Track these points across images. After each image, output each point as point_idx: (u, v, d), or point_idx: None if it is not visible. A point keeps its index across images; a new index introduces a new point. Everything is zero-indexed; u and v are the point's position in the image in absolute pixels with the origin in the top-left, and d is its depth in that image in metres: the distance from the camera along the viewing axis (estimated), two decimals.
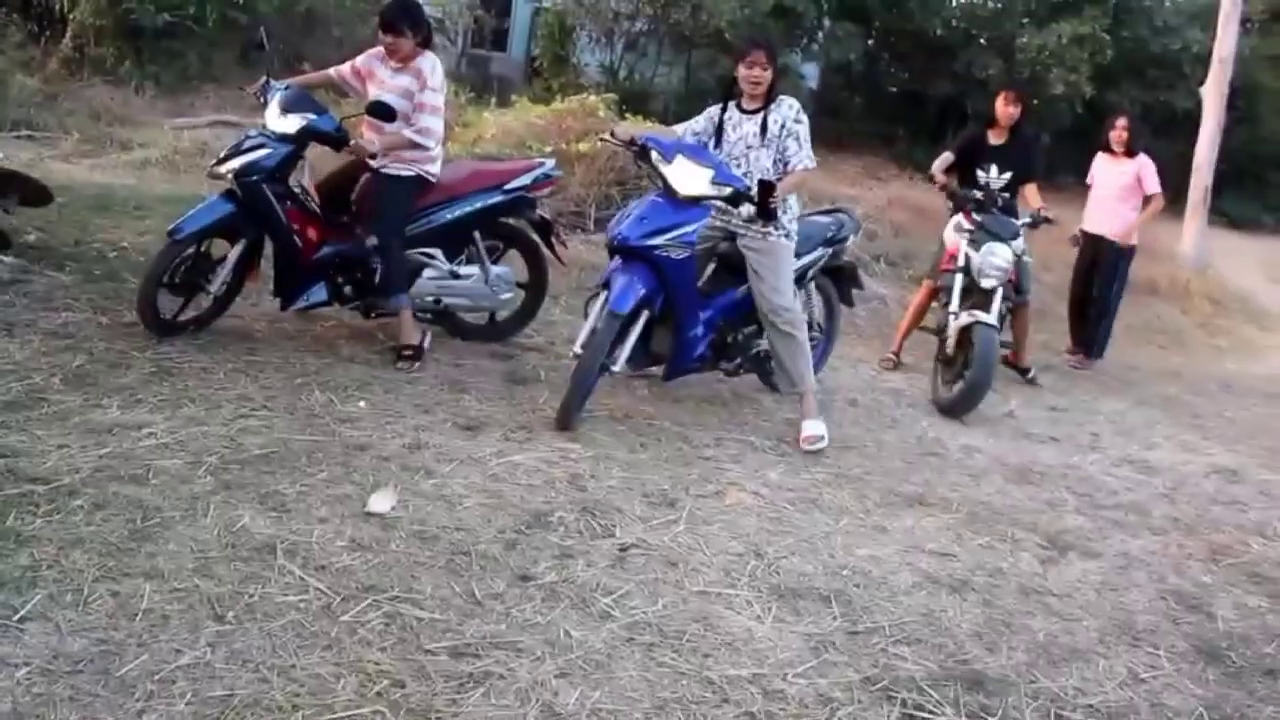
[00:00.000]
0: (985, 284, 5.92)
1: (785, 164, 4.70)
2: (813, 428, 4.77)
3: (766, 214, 4.47)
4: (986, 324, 5.74)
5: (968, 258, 6.02)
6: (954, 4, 18.95)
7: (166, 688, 2.39)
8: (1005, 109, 6.54)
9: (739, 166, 4.70)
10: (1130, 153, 7.47)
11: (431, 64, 4.90)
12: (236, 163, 4.66)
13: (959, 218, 6.29)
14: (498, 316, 5.65)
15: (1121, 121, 7.56)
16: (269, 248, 4.95)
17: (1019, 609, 3.42)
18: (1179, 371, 8.47)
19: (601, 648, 2.82)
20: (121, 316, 4.89)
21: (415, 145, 4.88)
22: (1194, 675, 3.15)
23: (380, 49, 4.97)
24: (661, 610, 3.07)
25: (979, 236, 6.03)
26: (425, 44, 4.97)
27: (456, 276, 5.28)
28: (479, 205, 5.22)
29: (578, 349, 4.52)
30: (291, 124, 4.71)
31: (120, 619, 2.62)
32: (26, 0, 12.42)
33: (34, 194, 5.80)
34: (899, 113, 19.11)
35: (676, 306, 4.68)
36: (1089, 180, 7.78)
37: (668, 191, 4.54)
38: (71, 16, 11.95)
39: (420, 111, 4.86)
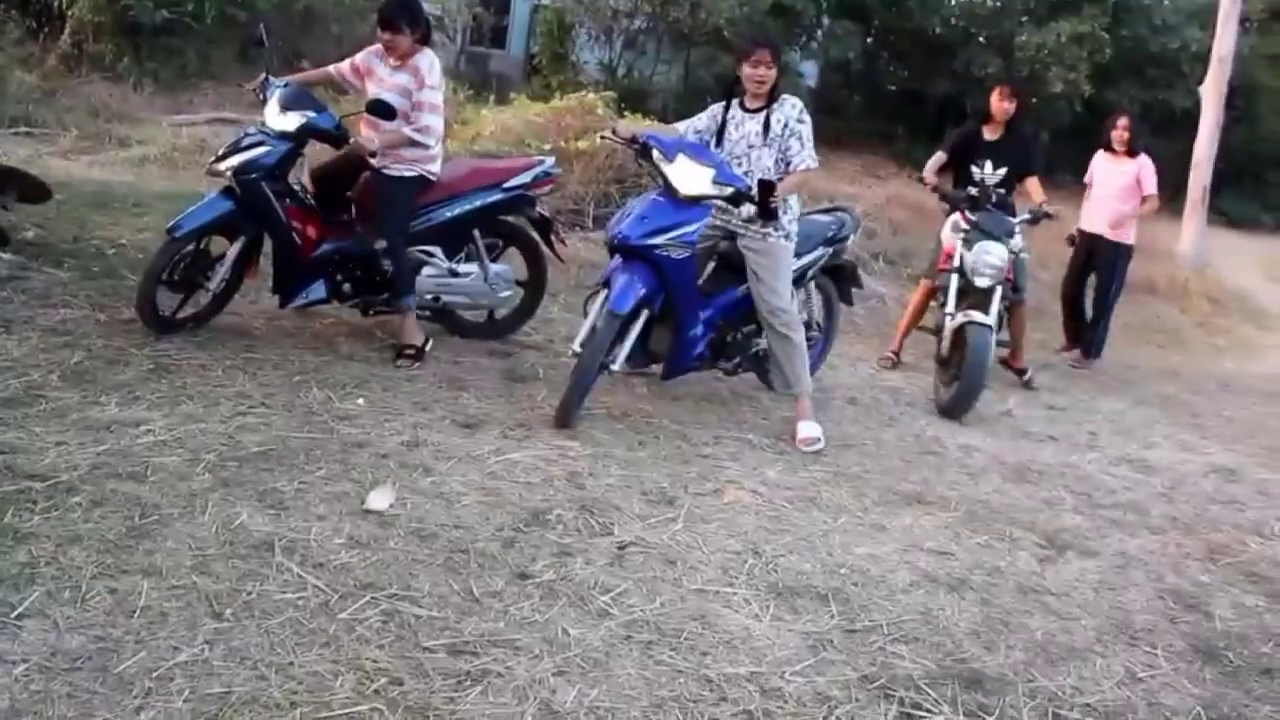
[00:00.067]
0: (980, 283, 5.90)
1: (787, 163, 4.69)
2: (808, 429, 4.77)
3: (767, 214, 4.46)
4: (979, 324, 5.73)
5: (962, 257, 6.01)
6: (953, 2, 18.96)
7: (164, 685, 2.39)
8: (1000, 104, 6.50)
9: (740, 165, 4.70)
10: (1131, 152, 7.46)
11: (429, 62, 4.89)
12: (235, 160, 4.65)
13: (956, 217, 6.27)
14: (496, 314, 5.65)
15: (1123, 121, 7.55)
16: (268, 245, 4.94)
17: (1017, 608, 3.42)
18: (1177, 371, 8.48)
19: (599, 646, 2.82)
20: (120, 313, 4.89)
21: (415, 143, 4.87)
22: (1191, 674, 3.16)
23: (379, 46, 4.96)
24: (659, 608, 3.07)
25: (973, 236, 6.01)
26: (424, 41, 4.96)
27: (456, 274, 5.28)
28: (478, 203, 5.21)
29: (577, 347, 4.52)
30: (291, 122, 4.70)
31: (118, 616, 2.62)
32: None
33: (32, 191, 5.79)
34: (898, 111, 19.14)
35: (676, 306, 4.67)
36: (1087, 179, 7.77)
37: (669, 190, 4.53)
38: (70, 13, 11.93)
39: (419, 110, 4.85)
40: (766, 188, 4.37)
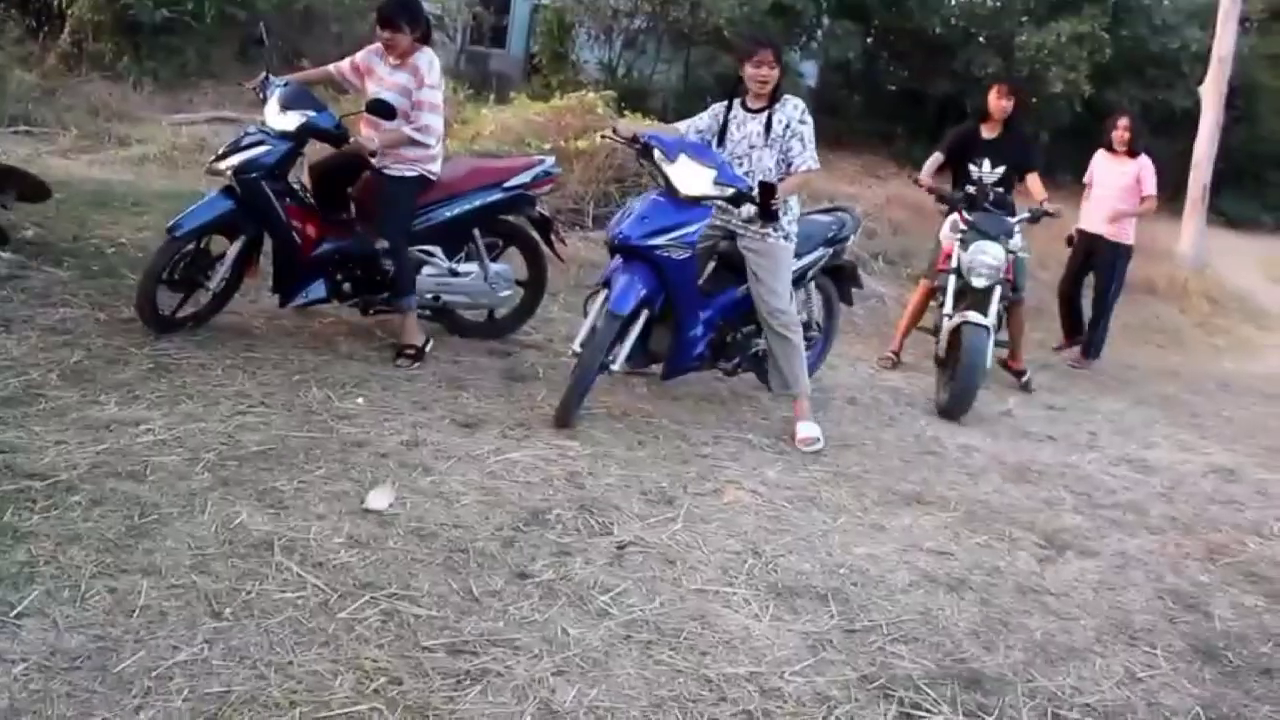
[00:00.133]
0: (976, 283, 5.87)
1: (789, 164, 4.68)
2: (807, 429, 4.77)
3: (767, 216, 4.46)
4: (975, 324, 5.73)
5: (959, 258, 5.99)
6: (953, 2, 18.96)
7: (164, 684, 2.39)
8: (998, 102, 6.47)
9: (741, 166, 4.69)
10: (1132, 153, 7.45)
11: (428, 60, 4.88)
12: (235, 159, 4.65)
13: (954, 217, 6.26)
14: (496, 314, 5.65)
15: (1124, 121, 7.54)
16: (268, 244, 4.94)
17: (1016, 608, 3.42)
18: (1177, 371, 8.48)
19: (599, 645, 2.82)
20: (119, 312, 4.89)
21: (415, 143, 4.86)
22: (1191, 674, 3.16)
23: (379, 45, 4.96)
24: (659, 608, 3.07)
25: (969, 236, 6.00)
26: (424, 40, 4.95)
27: (456, 274, 5.28)
28: (478, 203, 5.21)
29: (576, 347, 4.51)
30: (291, 121, 4.70)
31: (117, 615, 2.62)
32: None
33: (32, 189, 5.79)
34: (898, 111, 19.14)
35: (677, 306, 4.67)
36: (1087, 179, 7.77)
37: (669, 190, 4.52)
38: (70, 12, 11.93)
39: (419, 109, 4.84)
40: (767, 190, 4.36)
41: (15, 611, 2.57)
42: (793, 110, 4.69)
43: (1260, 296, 12.71)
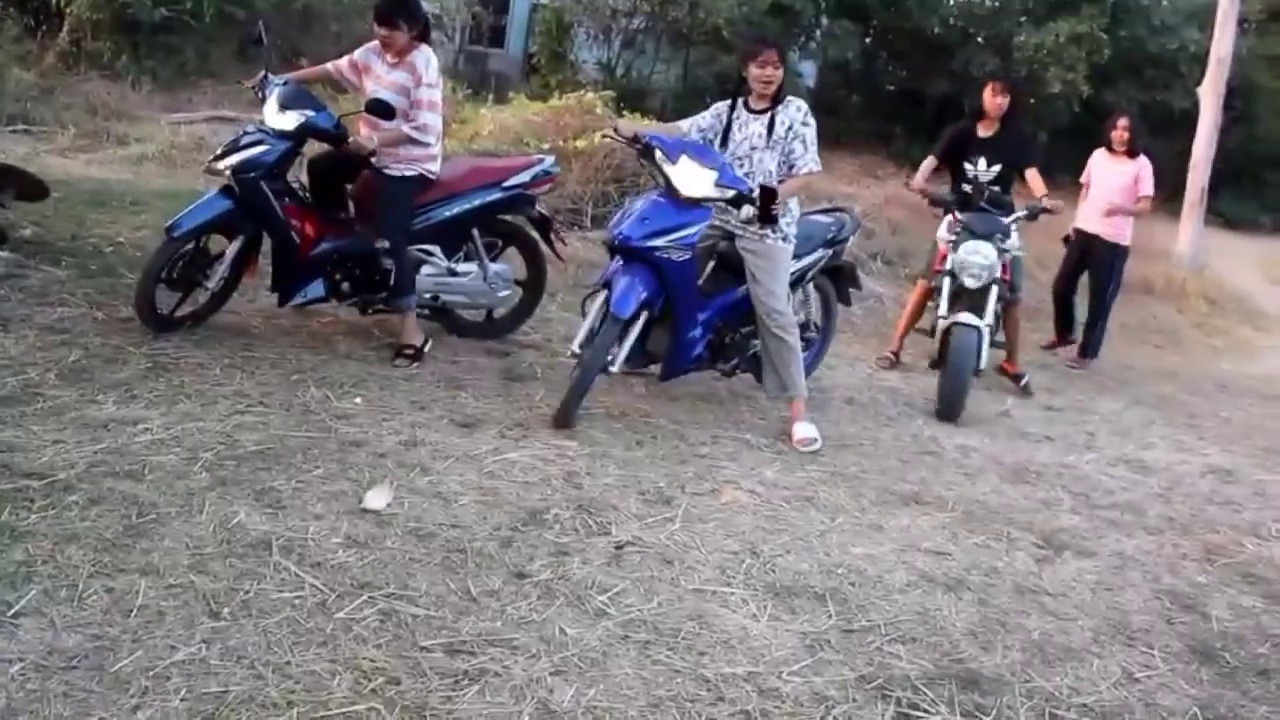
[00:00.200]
0: (968, 283, 5.85)
1: (790, 166, 4.68)
2: (804, 430, 4.77)
3: (767, 219, 4.45)
4: (964, 325, 5.72)
5: (952, 259, 5.98)
6: (952, 2, 18.95)
7: (161, 684, 2.39)
8: (993, 100, 6.42)
9: (742, 167, 4.68)
10: (1131, 153, 7.45)
11: (426, 59, 4.87)
12: (234, 159, 4.65)
13: (950, 218, 6.26)
14: (495, 314, 5.65)
15: (1123, 122, 7.53)
16: (267, 244, 4.94)
17: (1014, 608, 3.42)
18: (1175, 371, 8.48)
19: (597, 645, 2.83)
20: (117, 312, 4.89)
21: (414, 142, 4.86)
22: (1188, 675, 3.16)
23: (377, 43, 4.95)
24: (657, 608, 3.07)
25: (961, 236, 5.99)
26: (422, 38, 4.94)
27: (454, 274, 5.28)
28: (478, 203, 5.21)
29: (575, 348, 4.51)
30: (290, 121, 4.69)
31: (115, 615, 2.62)
32: None
33: (30, 189, 5.78)
34: (897, 111, 19.12)
35: (676, 308, 4.66)
36: (1084, 179, 7.76)
37: (670, 191, 4.52)
38: (68, 11, 11.92)
39: (418, 108, 4.83)
40: (768, 194, 4.35)
41: (12, 611, 2.57)
42: (795, 112, 4.68)
43: (1258, 297, 12.72)
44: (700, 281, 4.83)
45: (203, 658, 2.51)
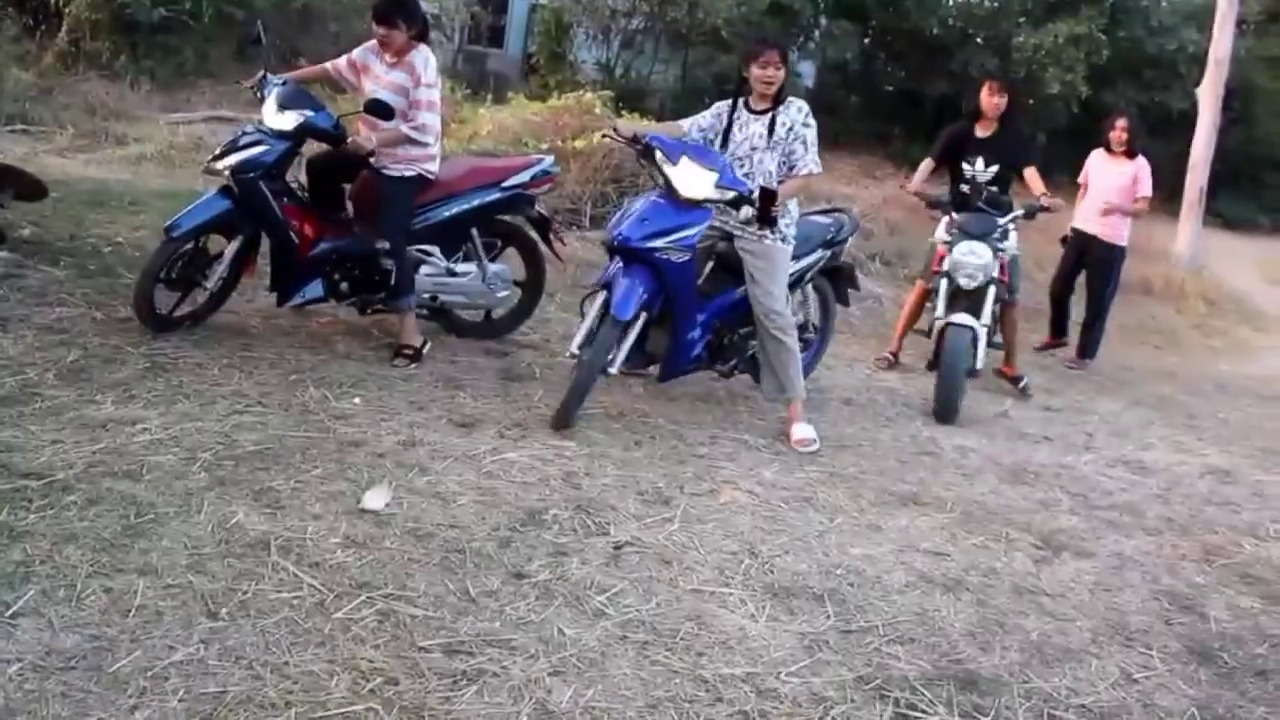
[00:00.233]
0: (963, 283, 5.85)
1: (790, 167, 4.67)
2: (802, 431, 4.77)
3: (766, 221, 4.44)
4: (957, 325, 5.72)
5: (948, 260, 5.98)
6: (950, 3, 18.96)
7: (159, 684, 2.39)
8: (990, 99, 6.36)
9: (742, 167, 4.67)
10: (1130, 153, 7.45)
11: (424, 59, 4.86)
12: (233, 159, 4.64)
13: (948, 219, 6.25)
14: (494, 314, 5.65)
15: (1122, 122, 7.52)
16: (266, 244, 4.94)
17: (1012, 609, 3.42)
18: (1174, 372, 8.49)
19: (595, 646, 2.83)
20: (116, 311, 4.89)
21: (413, 142, 4.85)
22: (1186, 676, 3.16)
23: (375, 42, 4.94)
24: (655, 608, 3.07)
25: (956, 237, 5.99)
26: (420, 38, 4.93)
27: (453, 274, 5.27)
28: (477, 203, 5.20)
29: (574, 349, 4.50)
30: (289, 121, 4.69)
31: (113, 615, 2.62)
32: None
33: (29, 188, 5.78)
34: (895, 111, 19.11)
35: (675, 309, 4.65)
36: (1082, 179, 7.76)
37: (670, 192, 4.51)
38: (67, 10, 11.90)
39: (417, 109, 4.83)
40: (768, 196, 4.35)
41: (11, 611, 2.57)
42: (796, 113, 4.68)
43: (1257, 298, 12.73)
44: (699, 282, 4.82)
45: (201, 658, 2.51)
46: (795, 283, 5.07)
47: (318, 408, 4.22)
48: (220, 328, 4.95)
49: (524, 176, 5.34)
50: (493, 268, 5.40)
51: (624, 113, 10.24)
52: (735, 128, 4.74)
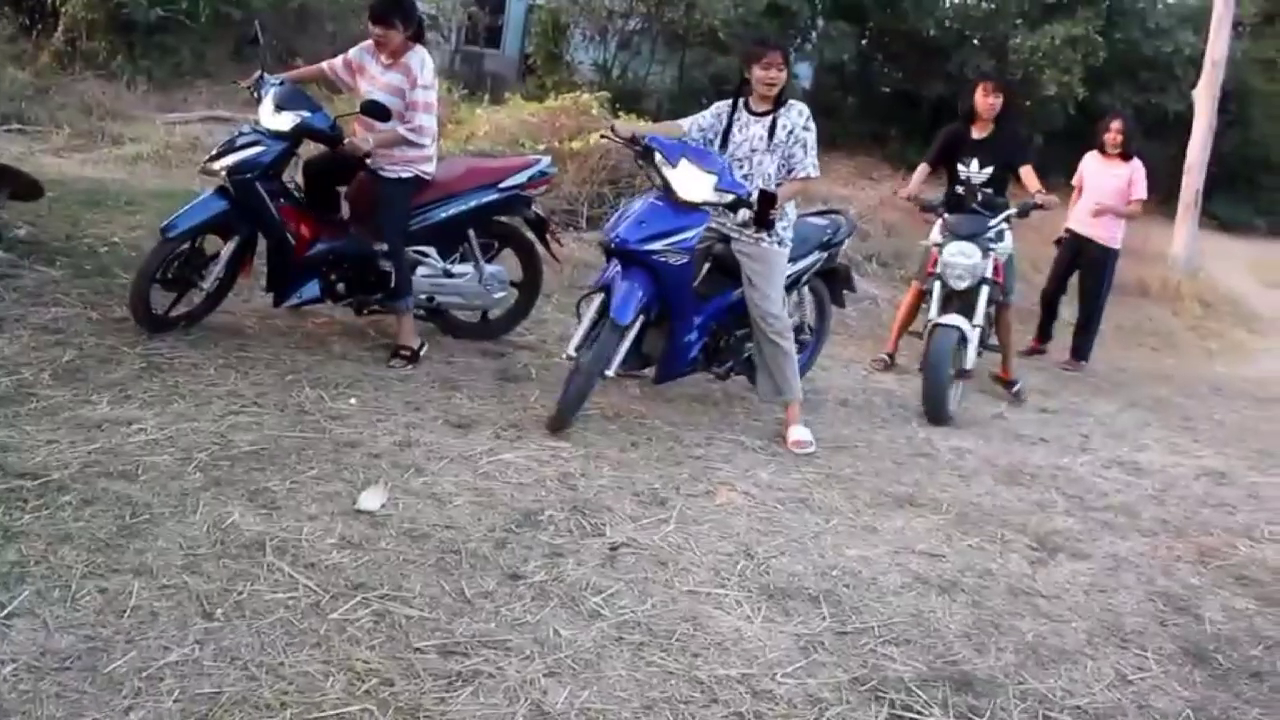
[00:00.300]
0: (953, 284, 5.84)
1: (789, 169, 4.67)
2: (799, 433, 4.77)
3: (764, 223, 4.43)
4: (943, 325, 5.73)
5: (940, 261, 5.98)
6: (947, 4, 19.01)
7: (154, 685, 2.39)
8: (985, 100, 6.32)
9: (741, 169, 4.66)
10: (1125, 156, 7.44)
11: (420, 60, 4.85)
12: (230, 160, 4.64)
13: (941, 221, 6.24)
14: (490, 315, 5.64)
15: (1116, 124, 7.50)
16: (262, 244, 4.93)
17: (1008, 610, 3.43)
18: (1169, 374, 8.50)
19: (591, 647, 2.83)
20: (112, 312, 4.88)
21: (409, 143, 4.85)
22: (1181, 677, 3.16)
23: (371, 42, 4.94)
24: (651, 610, 3.07)
25: (946, 238, 5.98)
26: (416, 38, 4.93)
27: (450, 275, 5.27)
28: (474, 203, 5.20)
29: (571, 351, 4.47)
30: (285, 121, 4.69)
31: (108, 616, 2.62)
32: None
33: (25, 188, 5.77)
34: (892, 113, 19.14)
35: (672, 311, 4.64)
36: (1076, 181, 7.75)
37: (669, 194, 4.50)
38: (63, 10, 11.90)
39: (414, 110, 4.82)
40: (767, 199, 4.34)
41: (5, 611, 2.56)
42: (797, 116, 4.67)
43: (1252, 300, 12.75)
44: (696, 283, 4.81)
45: (196, 659, 2.51)
46: (792, 285, 5.07)
47: (314, 408, 4.22)
48: (216, 328, 4.95)
49: (521, 177, 5.34)
50: (489, 269, 5.40)
51: (621, 113, 10.24)
52: (735, 129, 4.73)
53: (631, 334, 4.51)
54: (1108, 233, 7.51)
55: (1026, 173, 6.35)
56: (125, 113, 10.52)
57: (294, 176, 5.00)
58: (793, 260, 4.93)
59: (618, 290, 4.42)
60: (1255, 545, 4.40)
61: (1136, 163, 7.44)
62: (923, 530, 4.01)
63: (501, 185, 5.27)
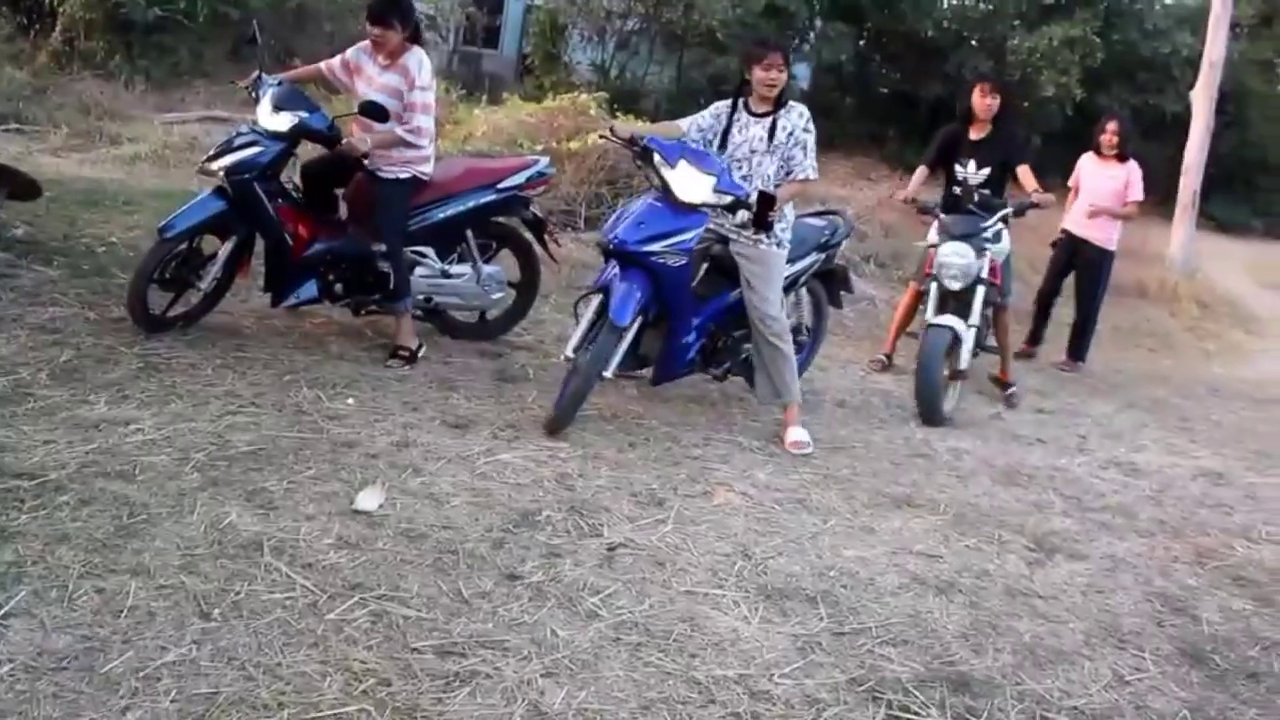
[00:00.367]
0: (948, 284, 5.84)
1: (788, 171, 4.66)
2: (797, 434, 4.77)
3: (762, 225, 4.43)
4: (935, 326, 5.73)
5: (935, 263, 5.98)
6: (945, 5, 19.04)
7: (151, 685, 2.39)
8: (983, 100, 6.31)
9: (741, 169, 4.66)
10: (1121, 157, 7.44)
11: (418, 60, 4.85)
12: (228, 160, 4.64)
13: (938, 222, 6.24)
14: (488, 315, 5.64)
15: (1112, 125, 7.50)
16: (260, 244, 4.93)
17: (1005, 611, 3.43)
18: (1167, 375, 8.50)
19: (588, 647, 2.83)
20: (109, 312, 4.88)
21: (407, 144, 4.85)
22: (1178, 678, 3.17)
23: (368, 43, 4.94)
24: (648, 610, 3.07)
25: (942, 239, 5.98)
26: (414, 39, 4.93)
27: (448, 275, 5.27)
28: (472, 204, 5.20)
29: (569, 352, 4.46)
30: (283, 122, 4.69)
31: (105, 616, 2.62)
32: None
33: (23, 188, 5.76)
34: (890, 113, 19.18)
35: (670, 312, 4.64)
36: (1072, 182, 7.75)
37: (667, 196, 4.49)
38: (61, 10, 11.90)
39: (412, 111, 4.82)
40: (766, 201, 4.34)
41: (3, 612, 2.56)
42: (797, 118, 4.66)
43: (1250, 301, 12.77)
44: (694, 284, 4.81)
45: (193, 659, 2.50)
46: (790, 286, 5.07)
47: (311, 408, 4.21)
48: (214, 328, 4.94)
49: (519, 178, 5.34)
50: (487, 269, 5.40)
51: (619, 114, 10.25)
52: (734, 129, 4.72)
53: (629, 335, 4.50)
54: (1104, 234, 7.52)
55: (1024, 172, 6.34)
56: (123, 112, 10.51)
57: (292, 177, 5.00)
58: (791, 261, 4.93)
59: (616, 291, 4.42)
60: (1252, 546, 4.40)
61: (1133, 164, 7.44)
62: (920, 531, 4.01)
63: (499, 186, 5.27)
